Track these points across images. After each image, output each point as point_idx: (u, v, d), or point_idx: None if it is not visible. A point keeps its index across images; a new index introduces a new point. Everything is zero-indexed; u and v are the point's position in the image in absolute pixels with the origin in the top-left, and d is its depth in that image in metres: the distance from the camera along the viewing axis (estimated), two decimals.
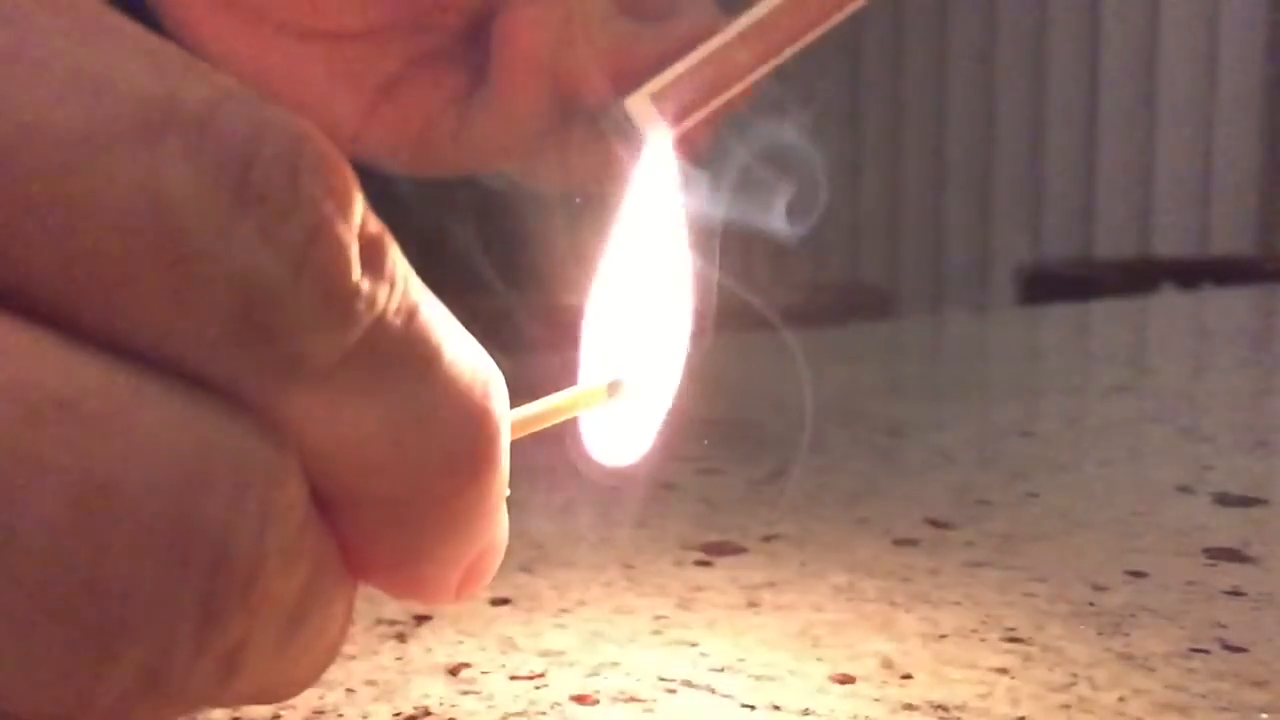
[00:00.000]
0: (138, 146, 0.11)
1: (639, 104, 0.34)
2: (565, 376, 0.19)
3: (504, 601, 0.27)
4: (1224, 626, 0.25)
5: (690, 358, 0.21)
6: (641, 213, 0.21)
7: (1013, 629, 0.25)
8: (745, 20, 0.34)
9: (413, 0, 0.35)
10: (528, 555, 0.30)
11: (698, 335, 0.21)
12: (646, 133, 0.33)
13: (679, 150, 0.34)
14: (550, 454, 0.20)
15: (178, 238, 0.11)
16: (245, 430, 0.12)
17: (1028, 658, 0.23)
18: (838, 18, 0.34)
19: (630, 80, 0.34)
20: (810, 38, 0.34)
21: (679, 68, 0.34)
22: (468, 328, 0.15)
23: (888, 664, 0.23)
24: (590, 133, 0.36)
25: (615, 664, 0.23)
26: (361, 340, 0.13)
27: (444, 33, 0.36)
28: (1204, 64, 2.41)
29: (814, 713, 0.21)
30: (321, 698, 0.21)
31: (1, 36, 0.11)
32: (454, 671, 0.23)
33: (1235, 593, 0.27)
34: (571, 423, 0.19)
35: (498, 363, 0.15)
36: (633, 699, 0.21)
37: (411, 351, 0.13)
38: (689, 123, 0.34)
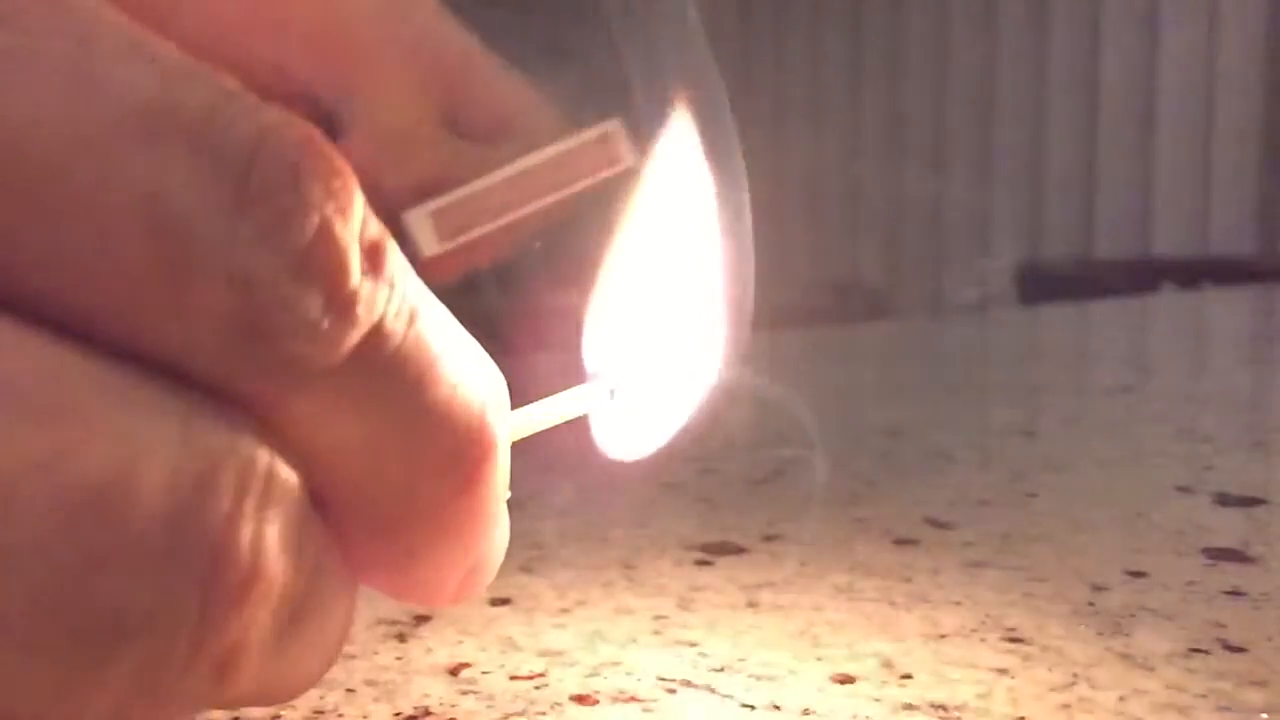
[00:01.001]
0: (138, 148, 0.11)
1: (418, 219, 0.36)
2: (564, 377, 0.19)
3: (504, 601, 0.27)
4: (1224, 626, 0.25)
5: (728, 358, 0.21)
6: (660, 209, 0.20)
7: (1013, 629, 0.25)
8: (532, 159, 0.37)
9: (248, 75, 0.37)
10: (528, 555, 0.30)
11: (734, 334, 0.21)
12: (422, 248, 0.36)
13: (456, 265, 0.37)
14: (550, 454, 0.20)
15: (178, 239, 0.11)
16: (244, 432, 0.12)
17: (1028, 658, 0.23)
18: (620, 168, 0.36)
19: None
20: (589, 184, 0.37)
21: (461, 191, 0.37)
22: (468, 329, 0.15)
23: (888, 664, 0.23)
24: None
25: (615, 664, 0.23)
26: (361, 344, 0.13)
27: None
28: (1204, 64, 2.41)
29: (814, 713, 0.21)
30: (322, 698, 0.21)
31: (1, 37, 0.11)
32: (454, 671, 0.23)
33: (1235, 593, 0.27)
34: (580, 421, 0.19)
35: (498, 364, 0.15)
36: (633, 699, 0.21)
37: (411, 356, 0.13)
38: (463, 241, 0.37)
